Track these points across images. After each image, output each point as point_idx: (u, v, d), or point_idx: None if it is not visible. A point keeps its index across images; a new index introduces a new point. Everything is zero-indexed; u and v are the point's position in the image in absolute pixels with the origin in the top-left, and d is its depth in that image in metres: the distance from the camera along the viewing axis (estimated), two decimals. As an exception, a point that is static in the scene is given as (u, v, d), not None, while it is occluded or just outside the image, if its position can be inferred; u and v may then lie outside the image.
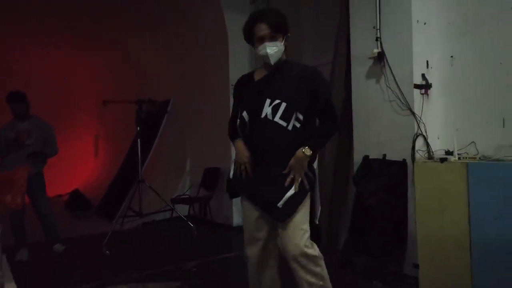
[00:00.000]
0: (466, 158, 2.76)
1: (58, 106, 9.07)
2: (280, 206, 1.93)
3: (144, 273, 3.46)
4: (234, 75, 5.18)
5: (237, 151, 2.08)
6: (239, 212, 5.15)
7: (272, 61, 1.99)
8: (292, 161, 1.94)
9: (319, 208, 2.13)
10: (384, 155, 3.17)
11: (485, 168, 2.51)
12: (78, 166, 9.73)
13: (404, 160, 3.02)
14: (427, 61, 3.07)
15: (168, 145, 6.29)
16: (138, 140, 4.65)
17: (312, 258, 1.93)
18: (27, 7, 6.08)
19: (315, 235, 2.11)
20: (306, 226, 1.99)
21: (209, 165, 5.48)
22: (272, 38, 1.96)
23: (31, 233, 4.14)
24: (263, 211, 2.02)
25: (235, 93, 2.21)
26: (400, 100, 3.04)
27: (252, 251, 2.09)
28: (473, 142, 2.85)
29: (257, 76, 2.11)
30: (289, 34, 2.06)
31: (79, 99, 9.75)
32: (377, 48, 3.16)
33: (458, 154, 2.78)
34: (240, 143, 2.08)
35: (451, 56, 3.04)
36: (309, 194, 2.03)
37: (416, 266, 2.88)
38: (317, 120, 2.07)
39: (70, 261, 4.00)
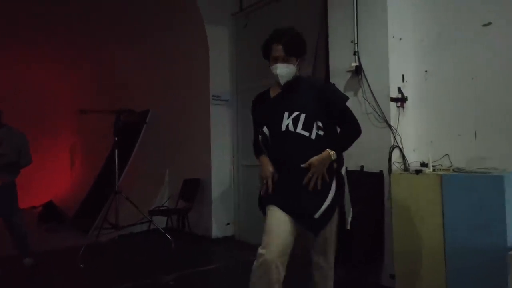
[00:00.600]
0: (440, 170, 2.83)
1: (34, 115, 8.84)
2: (317, 218, 1.98)
3: (121, 287, 3.37)
4: (215, 87, 5.21)
5: (262, 166, 2.14)
6: (218, 224, 5.12)
7: (282, 81, 2.10)
8: (314, 158, 1.97)
9: (350, 214, 2.19)
10: (362, 167, 3.22)
11: (458, 180, 2.58)
12: (53, 177, 9.47)
13: (381, 171, 3.07)
14: (403, 75, 3.16)
15: (147, 156, 6.20)
16: (116, 150, 4.57)
17: (330, 272, 2.17)
18: (1, 13, 5.96)
19: (347, 240, 2.24)
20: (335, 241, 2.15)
21: (188, 176, 5.43)
22: (285, 60, 2.06)
23: (0, 246, 3.99)
24: (296, 221, 2.00)
25: (253, 111, 2.30)
26: (377, 113, 3.11)
27: (270, 254, 1.94)
28: (447, 154, 2.93)
29: (272, 93, 2.20)
30: (304, 56, 2.16)
31: (55, 108, 9.54)
32: (355, 61, 3.24)
33: (433, 166, 2.85)
34: (264, 158, 2.14)
35: (426, 71, 3.14)
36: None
37: (393, 276, 2.91)
38: (338, 128, 2.15)
39: (43, 275, 3.86)
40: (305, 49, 2.17)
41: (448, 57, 3.01)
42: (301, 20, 4.26)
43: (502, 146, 2.68)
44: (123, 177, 5.49)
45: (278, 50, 2.06)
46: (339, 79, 3.37)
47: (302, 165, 1.99)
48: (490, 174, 2.48)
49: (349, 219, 2.19)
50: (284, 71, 2.07)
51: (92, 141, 8.29)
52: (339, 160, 2.10)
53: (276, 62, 2.07)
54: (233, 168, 5.28)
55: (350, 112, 2.15)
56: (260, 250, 1.93)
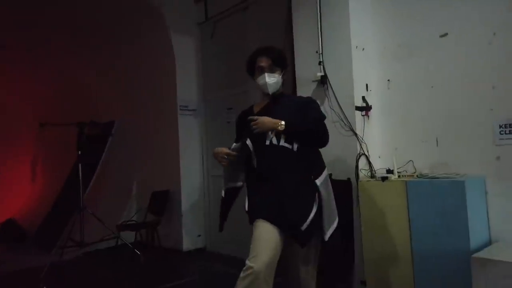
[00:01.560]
0: (405, 176, 2.90)
1: (-10, 128, 8.41)
2: (303, 229, 2.02)
3: (86, 308, 3.24)
4: (182, 96, 5.15)
5: (216, 152, 2.23)
6: (189, 236, 5.04)
7: (270, 90, 2.21)
8: (267, 118, 2.09)
9: (329, 226, 2.15)
10: (330, 175, 3.25)
11: (422, 185, 2.65)
12: (13, 193, 8.98)
13: (349, 179, 3.12)
14: (367, 84, 3.23)
15: (113, 169, 6.02)
16: (79, 164, 4.41)
17: (313, 284, 2.26)
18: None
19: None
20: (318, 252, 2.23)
21: (157, 188, 5.31)
22: (272, 70, 2.20)
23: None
24: (284, 232, 2.02)
25: (236, 125, 2.40)
26: (343, 122, 3.16)
27: (258, 265, 1.91)
28: (411, 160, 3.02)
29: (256, 109, 2.31)
30: (286, 70, 2.31)
31: (14, 121, 9.09)
32: (320, 71, 3.29)
33: (398, 172, 2.93)
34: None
35: (388, 80, 3.23)
36: None
37: (364, 283, 2.95)
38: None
39: (1, 300, 3.66)
40: (287, 63, 2.33)
41: (408, 66, 3.12)
42: (267, 30, 4.30)
43: (462, 152, 2.79)
44: (88, 192, 5.29)
45: (264, 60, 2.20)
46: (305, 89, 3.41)
47: (249, 117, 2.12)
48: (452, 179, 2.57)
49: (328, 230, 2.14)
50: (271, 80, 2.19)
51: (55, 155, 7.96)
52: (316, 172, 2.14)
53: (263, 72, 2.19)
54: (203, 178, 5.23)
55: (325, 126, 2.20)
56: (248, 262, 1.93)
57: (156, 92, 5.48)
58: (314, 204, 2.09)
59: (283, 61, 2.27)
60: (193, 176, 5.18)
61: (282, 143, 2.12)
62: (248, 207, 2.18)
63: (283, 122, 2.05)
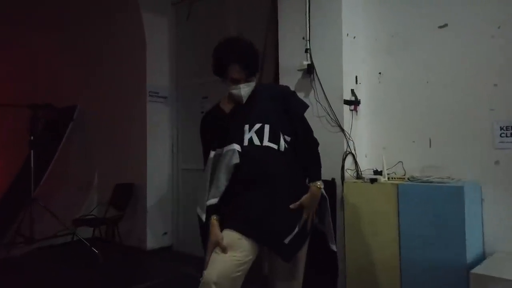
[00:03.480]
0: (394, 178, 2.66)
1: None
2: (287, 243, 1.76)
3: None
4: (152, 82, 4.75)
5: (212, 231, 1.79)
6: (154, 233, 4.66)
7: (244, 100, 1.93)
8: (306, 198, 1.84)
9: (332, 232, 2.05)
10: (313, 174, 2.98)
11: (414, 189, 2.42)
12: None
13: (333, 179, 2.85)
14: (356, 76, 2.97)
15: (73, 158, 5.52)
16: (31, 151, 3.94)
17: None
18: None
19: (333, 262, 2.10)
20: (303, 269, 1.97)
21: (120, 180, 4.89)
22: (247, 80, 1.90)
23: None
24: (264, 244, 1.77)
25: (203, 131, 2.03)
26: (330, 116, 2.88)
27: (208, 274, 1.66)
28: (400, 161, 2.78)
29: (225, 107, 1.99)
30: (260, 70, 2.00)
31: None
32: (307, 60, 2.98)
33: (387, 174, 2.68)
34: (215, 222, 1.80)
35: (379, 73, 2.98)
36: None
37: (346, 294, 2.70)
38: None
39: None
40: (260, 62, 2.05)
41: (402, 59, 2.87)
42: (249, 13, 3.99)
43: (457, 155, 2.57)
44: (44, 182, 4.79)
45: (238, 71, 1.86)
46: (289, 79, 3.10)
47: (291, 206, 1.80)
48: (449, 184, 2.34)
49: (334, 239, 2.06)
50: (247, 90, 1.91)
51: (7, 141, 7.31)
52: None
53: (237, 83, 1.88)
54: (172, 171, 4.86)
55: (307, 122, 2.03)
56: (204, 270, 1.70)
57: (123, 76, 5.03)
58: (303, 216, 1.85)
59: (257, 64, 1.96)
60: (161, 169, 4.80)
61: (266, 142, 1.82)
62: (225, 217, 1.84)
63: (318, 183, 1.89)
